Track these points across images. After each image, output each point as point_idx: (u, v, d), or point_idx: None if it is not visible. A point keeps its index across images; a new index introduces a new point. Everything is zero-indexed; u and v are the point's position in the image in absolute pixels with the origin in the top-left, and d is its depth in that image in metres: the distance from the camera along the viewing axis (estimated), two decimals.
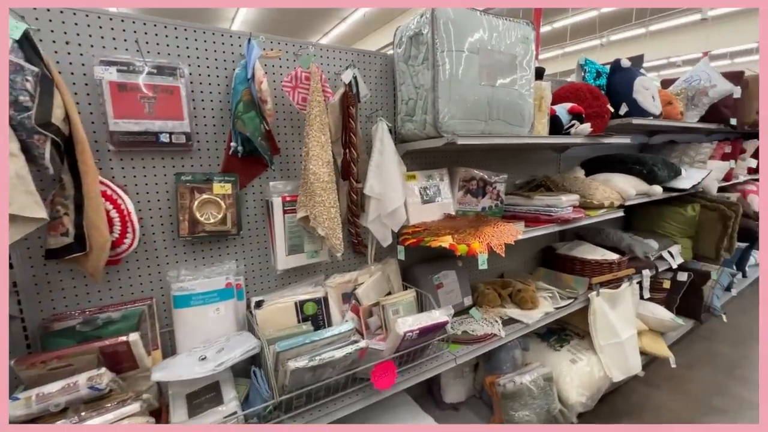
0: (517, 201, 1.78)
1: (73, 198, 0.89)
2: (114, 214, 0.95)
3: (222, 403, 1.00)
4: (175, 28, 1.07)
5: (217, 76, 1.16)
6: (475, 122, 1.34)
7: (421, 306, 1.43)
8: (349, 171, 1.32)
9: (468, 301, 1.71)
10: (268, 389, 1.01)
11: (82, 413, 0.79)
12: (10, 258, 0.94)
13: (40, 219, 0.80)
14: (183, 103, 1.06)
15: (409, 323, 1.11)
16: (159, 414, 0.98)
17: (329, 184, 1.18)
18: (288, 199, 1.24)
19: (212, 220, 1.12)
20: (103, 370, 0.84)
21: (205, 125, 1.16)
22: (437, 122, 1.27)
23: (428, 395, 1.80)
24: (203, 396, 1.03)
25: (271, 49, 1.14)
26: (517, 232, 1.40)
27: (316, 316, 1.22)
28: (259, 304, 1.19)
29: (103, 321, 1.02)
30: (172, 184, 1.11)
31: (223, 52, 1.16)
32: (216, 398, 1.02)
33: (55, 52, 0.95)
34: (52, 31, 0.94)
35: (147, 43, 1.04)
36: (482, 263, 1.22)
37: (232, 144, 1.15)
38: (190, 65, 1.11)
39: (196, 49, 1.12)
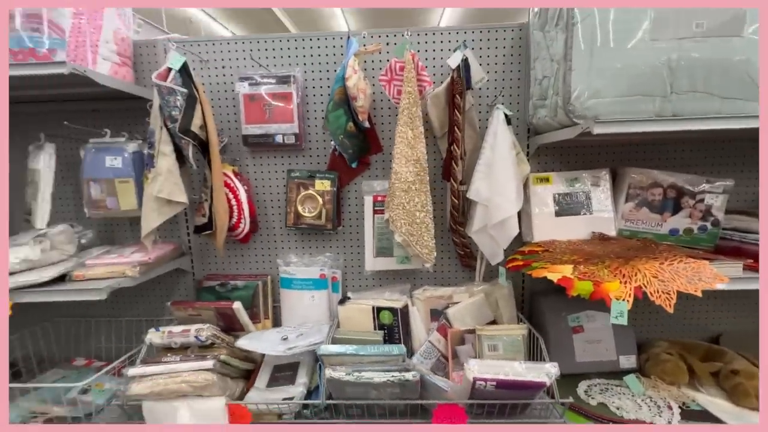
0: (751, 225, 1.08)
1: (210, 188, 1.15)
2: (234, 202, 1.17)
3: (292, 384, 1.08)
4: (288, 40, 1.20)
5: (328, 78, 1.22)
6: (641, 100, 0.88)
7: (535, 350, 1.08)
8: (450, 170, 1.13)
9: (628, 362, 1.18)
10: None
11: (186, 356, 1.02)
12: (187, 227, 1.31)
13: (181, 203, 1.07)
14: (293, 107, 1.18)
15: (480, 368, 0.86)
16: (250, 375, 1.15)
17: (414, 185, 1.05)
18: (379, 198, 1.19)
19: (308, 214, 1.21)
20: (207, 326, 1.05)
21: (316, 126, 1.25)
22: (568, 104, 0.91)
23: None
24: (284, 372, 1.14)
25: (365, 46, 1.10)
26: (715, 276, 0.84)
27: (391, 327, 1.13)
28: (343, 301, 1.20)
29: (232, 287, 1.28)
30: (286, 179, 1.26)
31: (334, 54, 1.21)
32: (290, 378, 1.11)
33: (213, 74, 1.24)
34: (203, 59, 1.23)
35: (266, 58, 1.21)
36: (618, 316, 0.80)
37: (332, 143, 1.20)
38: (305, 72, 1.22)
39: (305, 56, 1.22)
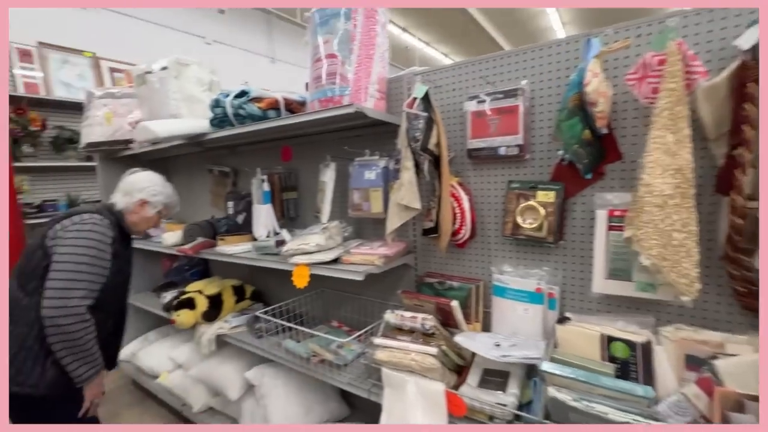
0: None
1: (437, 197, 1.31)
2: (457, 210, 1.29)
3: (503, 392, 1.10)
4: (515, 55, 1.22)
5: (558, 86, 1.17)
6: None
7: None
8: (731, 181, 0.88)
9: None
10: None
11: (413, 338, 1.20)
12: (414, 230, 1.54)
13: (416, 209, 1.27)
14: (519, 120, 1.19)
15: None
16: (462, 371, 1.24)
17: (673, 200, 0.87)
18: (617, 213, 1.04)
19: (528, 226, 1.19)
20: (430, 317, 1.21)
21: (541, 136, 1.22)
22: None
23: None
24: (494, 377, 1.17)
25: (609, 44, 0.98)
26: None
27: (626, 362, 0.96)
28: (562, 320, 1.13)
29: (448, 286, 1.41)
30: (505, 190, 1.29)
31: (566, 60, 1.15)
32: (501, 385, 1.13)
33: (445, 97, 1.40)
34: (437, 85, 1.40)
35: (494, 75, 1.26)
36: None
37: (559, 152, 1.14)
38: (533, 83, 1.21)
39: (533, 67, 1.20)
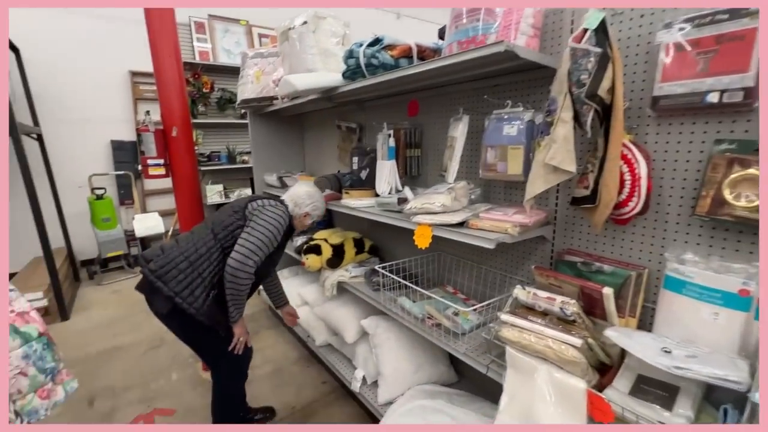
0: None
1: (599, 159, 1.05)
2: (627, 177, 1.01)
3: (668, 410, 0.87)
4: None
5: None
6: None
7: None
8: None
9: None
10: None
11: (548, 322, 1.03)
12: (557, 198, 1.31)
13: (569, 172, 1.05)
14: (753, 51, 0.83)
15: None
16: (607, 371, 1.03)
17: None
18: None
19: (745, 204, 0.85)
20: (573, 302, 1.02)
21: None
22: None
23: None
24: (654, 387, 0.94)
25: None
26: None
27: None
28: None
29: (596, 269, 1.17)
30: (707, 152, 0.95)
31: None
32: (665, 400, 0.90)
33: (626, 27, 1.07)
34: (615, 12, 1.06)
35: None
36: None
37: None
38: None
39: None
